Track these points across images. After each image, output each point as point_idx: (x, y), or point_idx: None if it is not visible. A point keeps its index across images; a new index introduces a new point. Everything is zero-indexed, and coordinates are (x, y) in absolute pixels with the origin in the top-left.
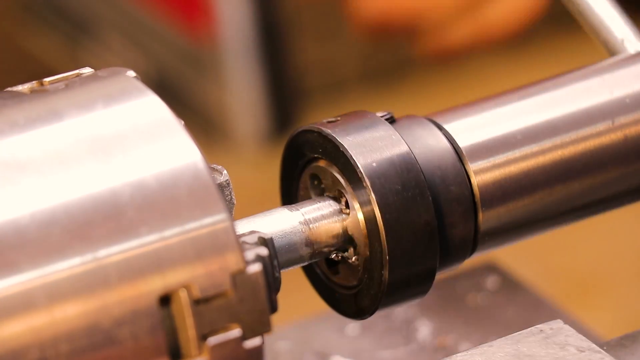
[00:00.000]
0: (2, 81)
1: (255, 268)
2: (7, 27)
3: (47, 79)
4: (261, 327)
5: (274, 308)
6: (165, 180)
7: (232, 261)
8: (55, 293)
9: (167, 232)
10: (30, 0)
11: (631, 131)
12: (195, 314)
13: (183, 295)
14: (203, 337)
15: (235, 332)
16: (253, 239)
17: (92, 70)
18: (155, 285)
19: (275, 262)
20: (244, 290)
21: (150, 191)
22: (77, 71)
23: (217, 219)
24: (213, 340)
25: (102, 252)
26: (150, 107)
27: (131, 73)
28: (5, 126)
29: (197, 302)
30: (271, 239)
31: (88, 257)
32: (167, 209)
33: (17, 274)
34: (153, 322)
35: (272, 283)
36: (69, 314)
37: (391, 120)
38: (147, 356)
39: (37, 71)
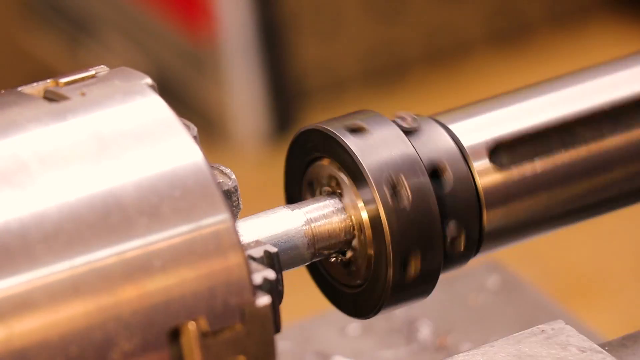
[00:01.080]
0: (2, 81)
1: (265, 301)
2: (7, 27)
3: (63, 80)
4: (267, 358)
5: (278, 329)
6: (168, 182)
7: (241, 294)
8: (65, 333)
9: (180, 267)
10: (31, 0)
11: (635, 132)
12: (203, 347)
13: (192, 329)
14: None
15: None
16: (259, 252)
17: (107, 68)
18: (166, 318)
19: (280, 276)
20: (252, 323)
21: (153, 210)
22: (92, 72)
23: (231, 258)
24: None
25: (117, 287)
26: (152, 107)
27: (149, 81)
28: (10, 126)
29: (205, 335)
30: (277, 253)
31: (103, 291)
32: (177, 237)
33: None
34: (162, 355)
35: (277, 301)
36: (79, 348)
37: (408, 130)
38: None
39: (37, 71)
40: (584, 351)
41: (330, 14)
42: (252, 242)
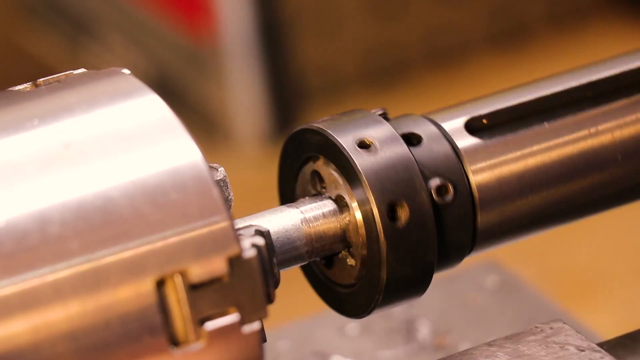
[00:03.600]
0: (2, 81)
1: (251, 253)
2: (7, 27)
3: (41, 80)
4: (257, 312)
5: (270, 299)
6: (166, 179)
7: (228, 247)
8: (53, 286)
9: (165, 223)
10: (31, 0)
11: (630, 130)
12: (191, 300)
13: (178, 281)
14: (200, 322)
15: (233, 317)
16: (250, 231)
17: (86, 70)
18: (151, 271)
19: (274, 255)
20: (240, 276)
21: (149, 189)
22: (71, 72)
23: (216, 217)
24: (210, 325)
25: (100, 244)
26: (152, 106)
27: (126, 71)
28: (4, 127)
29: (193, 288)
30: (268, 232)
31: (85, 248)
32: (166, 205)
33: (17, 275)
34: (149, 308)
35: (269, 272)
36: (66, 305)
37: (385, 117)
38: (145, 343)
39: (37, 71)
40: (582, 350)
41: (331, 14)
42: (244, 226)
